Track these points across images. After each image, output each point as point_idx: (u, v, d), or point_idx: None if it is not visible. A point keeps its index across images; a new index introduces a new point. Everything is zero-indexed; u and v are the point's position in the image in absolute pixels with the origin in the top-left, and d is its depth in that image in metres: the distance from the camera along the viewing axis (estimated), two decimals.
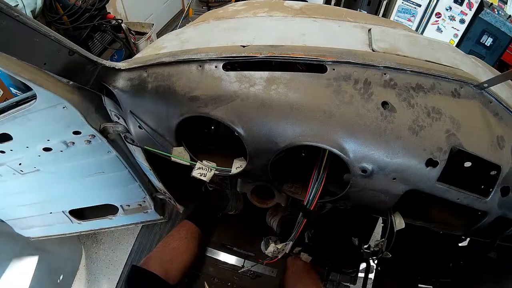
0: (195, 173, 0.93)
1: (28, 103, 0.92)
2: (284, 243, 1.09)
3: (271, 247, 1.10)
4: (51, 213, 1.49)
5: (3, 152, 1.09)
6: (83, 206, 1.46)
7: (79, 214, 1.54)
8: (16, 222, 1.62)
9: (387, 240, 0.97)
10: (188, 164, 0.94)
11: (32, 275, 1.89)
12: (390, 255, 0.99)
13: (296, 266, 1.38)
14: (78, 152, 1.08)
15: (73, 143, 1.04)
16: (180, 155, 0.94)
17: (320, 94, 0.79)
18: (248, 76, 0.81)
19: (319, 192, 0.90)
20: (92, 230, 1.68)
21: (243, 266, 1.66)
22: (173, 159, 0.94)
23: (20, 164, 1.15)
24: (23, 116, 0.94)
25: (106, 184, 1.28)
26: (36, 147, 1.06)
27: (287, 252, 1.12)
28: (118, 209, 1.47)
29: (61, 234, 1.70)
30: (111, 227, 1.61)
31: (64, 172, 1.20)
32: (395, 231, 0.88)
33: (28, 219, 1.56)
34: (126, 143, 1.06)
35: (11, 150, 1.08)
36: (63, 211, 1.48)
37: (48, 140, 1.03)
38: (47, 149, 1.07)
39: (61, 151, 1.07)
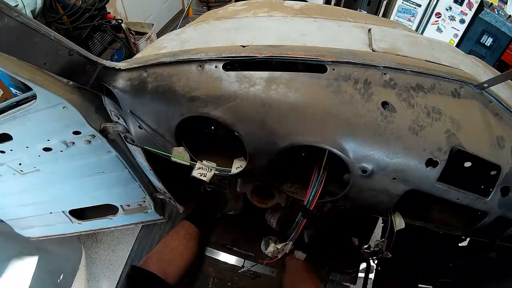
0: (195, 173, 0.93)
1: (28, 103, 0.91)
2: (284, 243, 1.09)
3: (271, 247, 1.10)
4: (51, 213, 1.49)
5: (3, 152, 1.09)
6: (83, 206, 1.46)
7: (79, 214, 1.54)
8: (16, 222, 1.62)
9: (387, 240, 0.97)
10: (188, 164, 0.94)
11: (32, 275, 1.89)
12: (390, 255, 0.99)
13: (294, 265, 1.38)
14: (78, 152, 1.08)
15: (73, 143, 1.04)
16: (180, 155, 0.93)
17: (320, 94, 0.79)
18: (248, 76, 0.81)
19: (319, 192, 0.90)
20: (92, 230, 1.68)
21: (243, 266, 1.67)
22: (173, 159, 0.94)
23: (20, 164, 1.15)
24: (23, 116, 0.94)
25: (106, 184, 1.28)
26: (36, 147, 1.06)
27: (286, 252, 1.12)
28: (118, 209, 1.47)
29: (61, 234, 1.70)
30: (111, 227, 1.61)
31: (64, 172, 1.20)
32: (395, 231, 0.88)
33: (28, 219, 1.56)
34: (126, 143, 1.06)
35: (11, 150, 1.08)
36: (63, 211, 1.48)
37: (48, 140, 1.03)
38: (47, 149, 1.06)
39: (61, 151, 1.07)
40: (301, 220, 0.99)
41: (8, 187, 1.31)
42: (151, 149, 0.96)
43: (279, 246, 1.09)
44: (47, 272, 2.02)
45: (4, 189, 1.34)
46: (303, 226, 1.00)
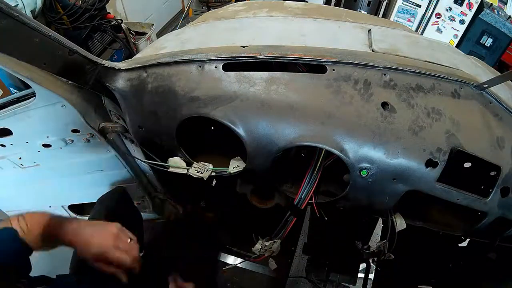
0: (192, 171, 0.93)
1: (28, 100, 0.92)
2: (272, 241, 1.08)
3: (258, 244, 1.09)
4: (50, 207, 1.50)
5: (3, 146, 1.10)
6: (82, 202, 1.47)
7: (79, 209, 1.55)
8: (16, 213, 1.64)
9: (389, 242, 0.96)
10: (186, 172, 0.95)
11: (31, 275, 1.88)
12: (393, 257, 0.98)
13: None
14: (77, 150, 1.08)
15: (72, 140, 1.05)
16: (177, 164, 0.94)
17: (320, 94, 0.79)
18: (248, 77, 0.81)
19: (311, 193, 0.90)
20: None
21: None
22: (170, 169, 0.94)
23: (20, 158, 1.17)
24: (23, 113, 0.95)
25: (105, 182, 1.29)
26: (36, 143, 1.07)
27: (274, 251, 1.10)
28: None
29: None
30: None
31: (63, 168, 1.21)
32: (396, 231, 0.88)
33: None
34: (125, 142, 1.06)
35: (11, 144, 1.09)
36: (62, 206, 1.50)
37: (47, 137, 1.04)
38: (46, 146, 1.07)
39: (60, 148, 1.08)
40: (291, 219, 0.98)
41: (8, 179, 1.32)
42: (149, 152, 0.97)
43: (267, 243, 1.08)
44: (47, 272, 2.01)
45: (4, 181, 1.35)
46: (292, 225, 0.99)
